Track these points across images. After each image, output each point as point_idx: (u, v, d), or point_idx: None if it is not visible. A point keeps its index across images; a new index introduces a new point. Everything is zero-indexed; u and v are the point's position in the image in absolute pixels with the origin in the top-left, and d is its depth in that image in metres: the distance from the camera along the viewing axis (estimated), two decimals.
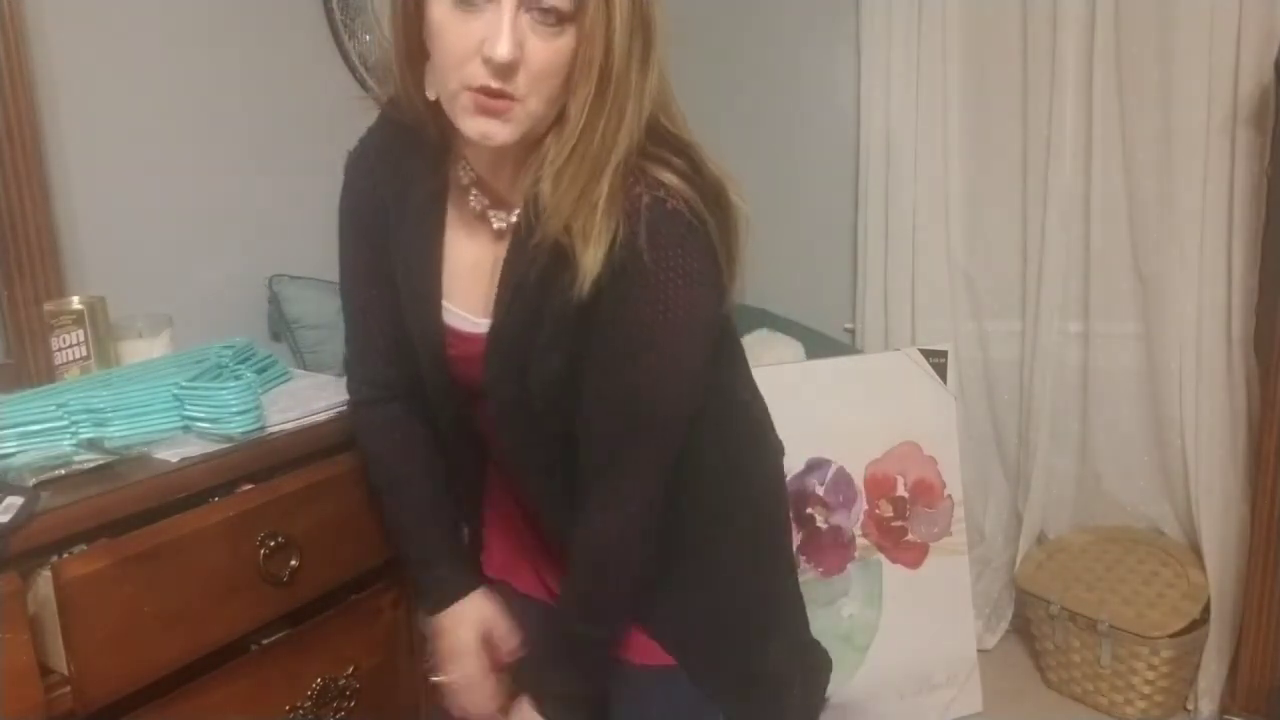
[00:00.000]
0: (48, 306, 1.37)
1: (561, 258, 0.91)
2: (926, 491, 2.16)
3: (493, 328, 1.01)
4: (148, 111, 1.68)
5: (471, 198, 1.03)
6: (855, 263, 2.56)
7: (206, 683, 1.17)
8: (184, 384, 1.22)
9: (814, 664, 1.37)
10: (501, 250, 1.00)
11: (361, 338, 1.18)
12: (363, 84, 2.08)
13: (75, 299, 1.38)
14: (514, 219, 0.99)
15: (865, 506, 2.14)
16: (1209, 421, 2.16)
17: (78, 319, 1.36)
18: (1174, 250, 2.17)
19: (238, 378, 1.26)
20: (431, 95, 0.94)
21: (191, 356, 1.37)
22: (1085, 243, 2.30)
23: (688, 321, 0.94)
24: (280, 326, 1.90)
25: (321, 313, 1.89)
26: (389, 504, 1.22)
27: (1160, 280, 2.21)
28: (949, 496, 2.17)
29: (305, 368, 1.81)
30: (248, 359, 1.41)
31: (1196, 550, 2.20)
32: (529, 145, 0.93)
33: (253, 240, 1.88)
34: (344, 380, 1.28)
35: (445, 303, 1.06)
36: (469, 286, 1.04)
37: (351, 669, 1.37)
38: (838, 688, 2.11)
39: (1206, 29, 2.04)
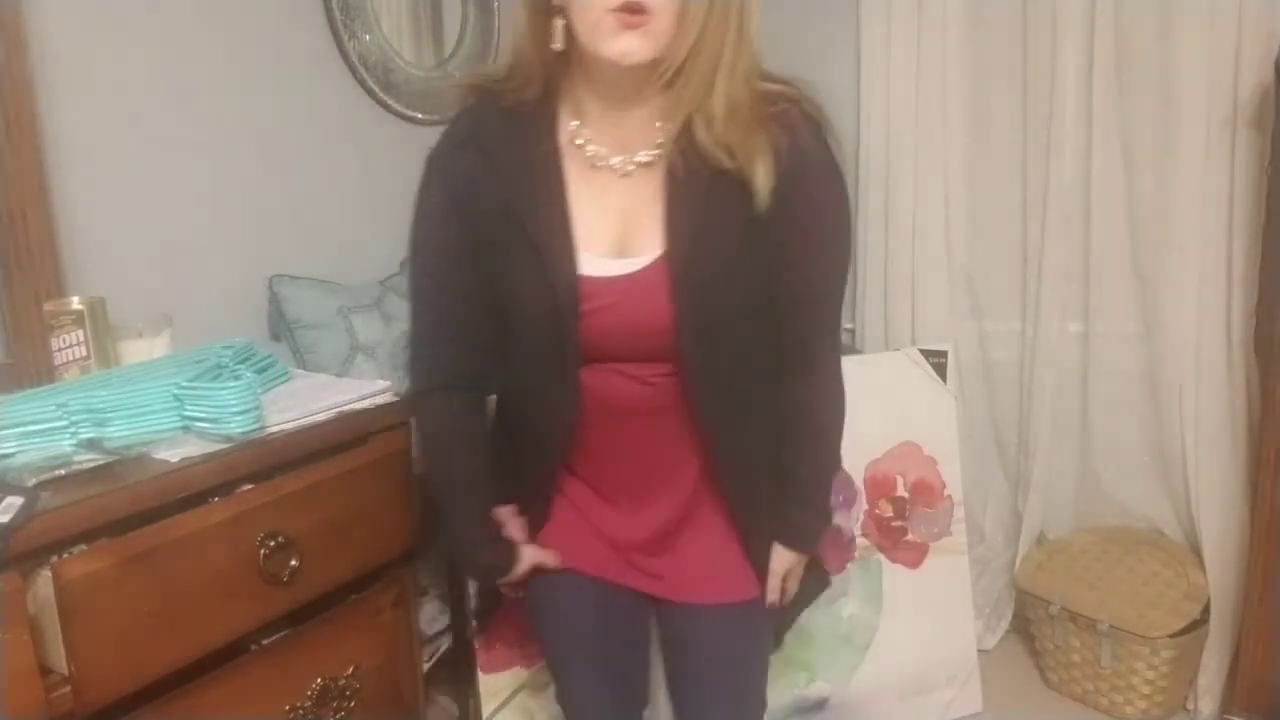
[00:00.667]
0: (48, 306, 1.37)
1: (724, 177, 1.03)
2: (926, 492, 2.16)
3: (671, 253, 1.06)
4: (148, 111, 1.68)
5: (589, 150, 1.09)
6: (855, 263, 2.56)
7: (206, 683, 1.17)
8: (184, 384, 1.22)
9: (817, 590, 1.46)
10: (629, 190, 1.08)
11: (446, 325, 1.17)
12: (362, 84, 2.09)
13: (75, 299, 1.38)
14: (644, 159, 1.08)
15: (865, 506, 2.13)
16: (1209, 422, 2.16)
17: (78, 319, 1.36)
18: (1174, 250, 2.17)
19: (238, 378, 1.26)
20: (558, 46, 1.02)
21: (191, 356, 1.37)
22: (1085, 243, 2.30)
23: (848, 208, 1.15)
24: (280, 326, 1.90)
25: (321, 313, 1.89)
26: (448, 489, 1.22)
27: (1160, 280, 2.21)
28: (949, 497, 2.17)
29: (305, 368, 1.82)
30: (248, 359, 1.41)
31: (1196, 550, 2.19)
32: (654, 83, 1.02)
33: (253, 240, 1.88)
34: (343, 380, 1.28)
35: (581, 253, 1.07)
36: (599, 232, 1.08)
37: (351, 669, 1.37)
38: (838, 688, 2.12)
39: (1206, 29, 2.04)
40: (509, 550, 1.24)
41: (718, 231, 1.06)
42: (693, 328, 1.08)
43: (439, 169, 1.14)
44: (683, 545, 1.23)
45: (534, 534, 1.26)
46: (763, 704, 1.35)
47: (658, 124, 1.06)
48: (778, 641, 1.40)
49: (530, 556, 1.25)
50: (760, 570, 1.25)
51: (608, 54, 0.98)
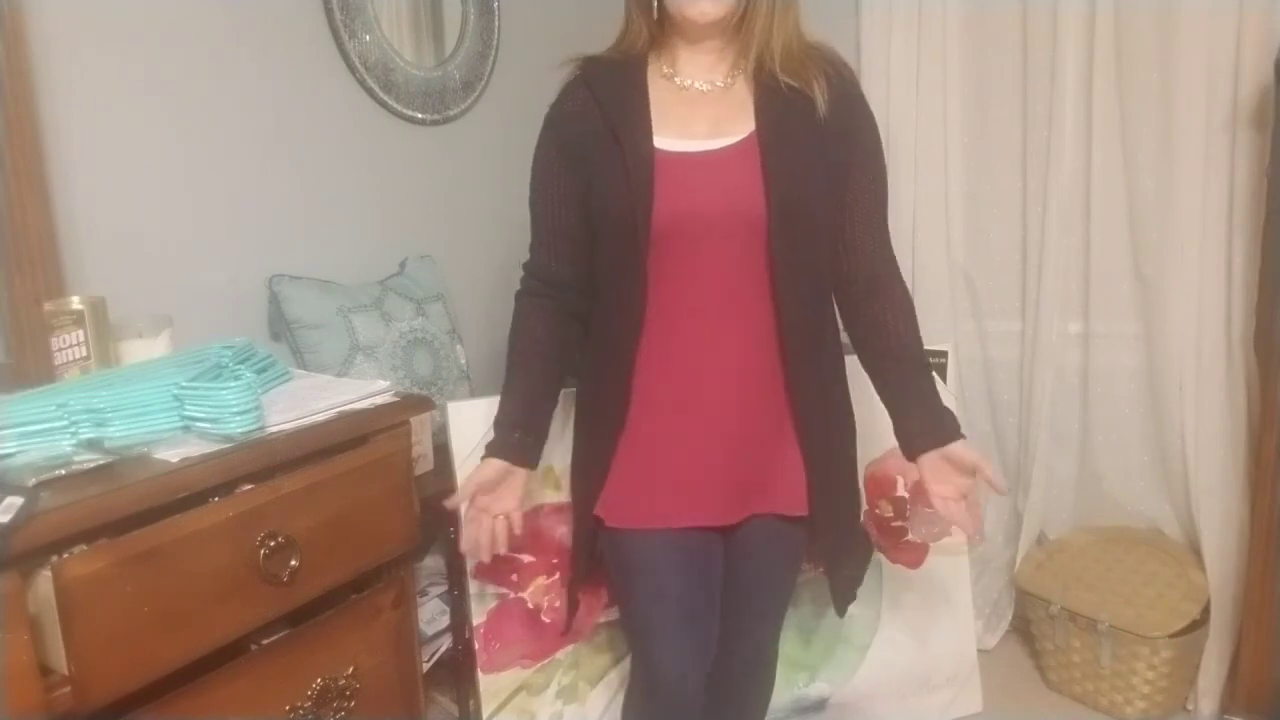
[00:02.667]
0: (48, 306, 1.37)
1: (793, 92, 1.33)
2: (926, 492, 2.15)
3: (760, 129, 1.33)
4: (147, 112, 1.68)
5: (677, 80, 1.39)
6: None
7: (206, 683, 1.17)
8: (184, 384, 1.22)
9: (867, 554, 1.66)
10: (715, 101, 1.37)
11: (542, 236, 1.44)
12: (362, 84, 2.09)
13: (75, 299, 1.38)
14: (722, 83, 1.38)
15: (865, 506, 2.13)
16: (1209, 422, 2.16)
17: (78, 319, 1.36)
18: (1174, 250, 2.17)
19: (238, 378, 1.26)
20: (655, 10, 1.36)
21: (191, 356, 1.37)
22: (1085, 243, 2.30)
23: (879, 133, 1.44)
24: (280, 326, 1.90)
25: (321, 313, 1.89)
26: (512, 370, 1.46)
27: (1160, 280, 2.21)
28: None
29: (305, 368, 1.82)
30: (248, 359, 1.41)
31: (1196, 550, 2.20)
32: (722, 31, 1.35)
33: (253, 240, 1.88)
34: (343, 380, 1.31)
35: (656, 137, 1.33)
36: (686, 127, 1.35)
37: (351, 669, 1.37)
38: (838, 688, 2.12)
39: (1206, 29, 2.04)
40: (521, 453, 1.44)
41: (794, 125, 1.32)
42: (780, 200, 1.29)
43: (551, 116, 1.43)
44: (752, 461, 1.39)
45: (597, 489, 1.43)
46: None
47: (732, 61, 1.38)
48: (845, 607, 1.59)
49: (512, 490, 1.45)
50: (812, 489, 1.40)
51: (689, 14, 1.30)
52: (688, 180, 1.31)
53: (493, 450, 1.43)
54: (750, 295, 1.34)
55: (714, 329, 1.35)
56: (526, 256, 1.48)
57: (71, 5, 1.55)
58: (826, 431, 1.43)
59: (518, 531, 1.47)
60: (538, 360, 1.45)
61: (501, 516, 1.45)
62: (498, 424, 1.45)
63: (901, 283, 1.43)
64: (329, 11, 2.00)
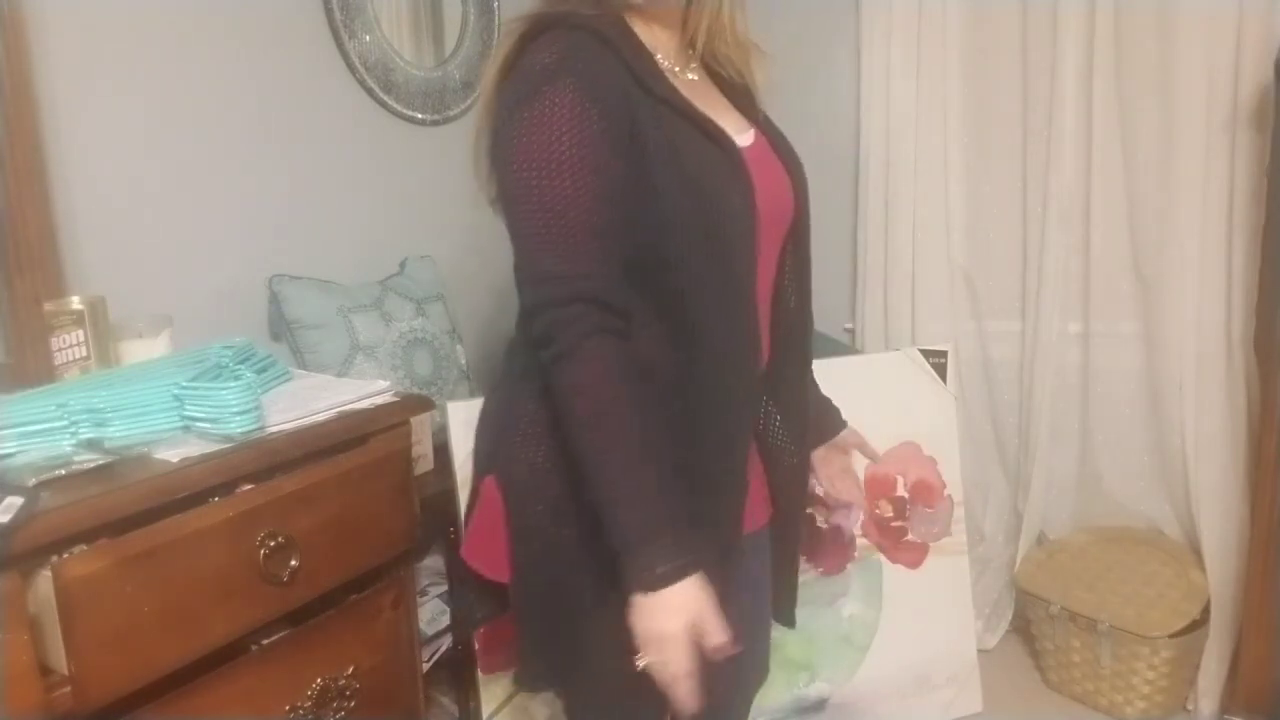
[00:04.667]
0: (48, 306, 1.37)
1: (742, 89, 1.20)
2: (926, 491, 2.16)
3: (761, 127, 1.19)
4: (147, 112, 1.68)
5: (659, 60, 1.11)
6: (855, 263, 2.56)
7: (206, 683, 1.17)
8: (184, 384, 1.22)
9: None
10: (699, 91, 1.14)
11: (586, 243, 0.98)
12: (362, 84, 2.09)
13: (75, 299, 1.38)
14: (693, 76, 1.17)
15: (865, 506, 2.13)
16: (1209, 422, 2.16)
17: (78, 319, 1.36)
18: (1174, 250, 2.17)
19: (238, 378, 1.26)
20: None
21: (191, 356, 1.37)
22: (1085, 243, 2.30)
23: None
24: (280, 326, 1.90)
25: (321, 313, 1.89)
26: (621, 463, 0.97)
27: (1160, 280, 2.21)
28: (949, 496, 2.17)
29: (305, 368, 1.82)
30: (248, 359, 1.41)
31: (1196, 550, 2.19)
32: (677, 14, 1.13)
33: (253, 240, 1.88)
34: (343, 380, 1.28)
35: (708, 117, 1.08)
36: (709, 111, 1.10)
37: (351, 669, 1.37)
38: (838, 688, 2.12)
39: (1206, 29, 2.04)
40: (695, 561, 0.98)
41: (770, 122, 1.21)
42: (801, 200, 1.18)
43: (566, 67, 0.98)
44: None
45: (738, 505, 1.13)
46: None
47: (689, 46, 1.16)
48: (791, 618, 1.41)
49: (703, 599, 0.98)
50: (777, 501, 1.27)
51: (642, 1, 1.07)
52: (760, 178, 1.08)
53: (671, 574, 0.95)
54: (761, 304, 1.16)
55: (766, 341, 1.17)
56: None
57: (72, 5, 1.55)
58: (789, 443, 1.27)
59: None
60: (653, 433, 1.00)
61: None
62: (656, 532, 0.97)
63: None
64: (329, 11, 2.00)
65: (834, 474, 1.44)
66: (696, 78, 1.16)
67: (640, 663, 0.98)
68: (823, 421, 1.40)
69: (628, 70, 1.01)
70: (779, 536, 1.32)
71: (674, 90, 1.05)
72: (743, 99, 1.19)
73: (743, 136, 1.14)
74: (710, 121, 1.06)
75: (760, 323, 1.12)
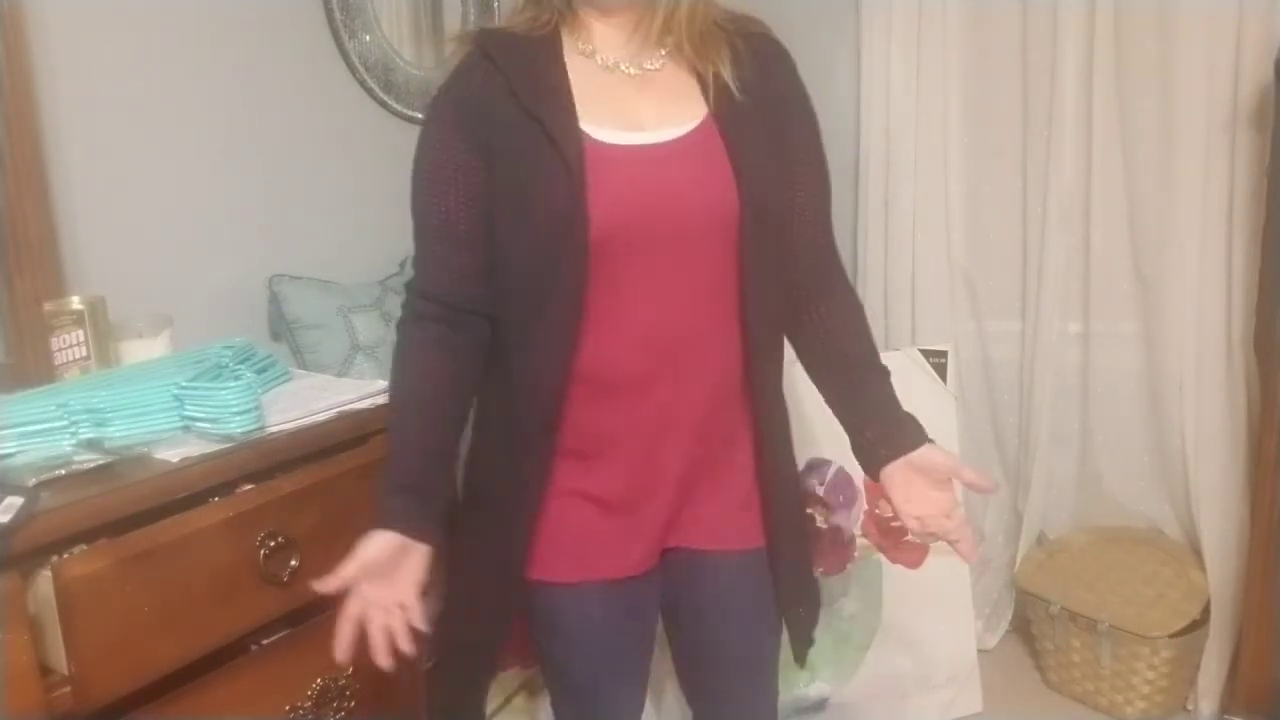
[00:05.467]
0: (48, 306, 1.37)
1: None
2: (898, 515, 2.15)
3: (717, 110, 1.12)
4: (148, 111, 1.68)
5: (598, 58, 1.15)
6: (855, 263, 2.56)
7: (206, 683, 1.17)
8: (184, 384, 1.22)
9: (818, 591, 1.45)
10: (652, 83, 1.15)
11: (437, 250, 1.16)
12: (362, 84, 2.08)
13: (75, 299, 1.38)
14: (652, 66, 1.15)
15: (865, 506, 2.13)
16: (1209, 422, 2.16)
17: (78, 319, 1.36)
18: (1174, 250, 2.17)
19: (238, 378, 1.26)
20: None
21: (191, 356, 1.37)
22: (1085, 243, 2.30)
23: (817, 120, 1.24)
24: (280, 326, 1.90)
25: (321, 313, 1.89)
26: (403, 418, 1.15)
27: (1160, 280, 2.21)
28: None
29: (305, 368, 1.81)
30: (248, 359, 1.41)
31: (1196, 550, 2.19)
32: (638, 5, 1.12)
33: (253, 240, 1.88)
34: (343, 380, 1.28)
35: (582, 123, 1.09)
36: (616, 114, 1.11)
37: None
38: (838, 688, 2.12)
39: (1206, 29, 2.04)
40: (419, 528, 1.09)
41: (747, 111, 1.12)
42: (753, 196, 1.09)
43: (445, 99, 1.16)
44: (706, 494, 1.19)
45: (525, 543, 1.16)
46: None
47: (657, 39, 1.14)
48: (804, 655, 1.37)
49: (413, 567, 1.10)
50: (771, 522, 1.21)
51: (596, 2, 1.11)
52: (634, 179, 1.08)
53: (382, 521, 1.08)
54: (714, 316, 1.13)
55: (666, 359, 1.12)
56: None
57: (72, 5, 1.54)
58: (785, 466, 1.27)
59: (422, 628, 1.10)
60: (435, 405, 1.14)
61: (398, 610, 1.08)
62: (387, 488, 1.11)
63: (847, 282, 1.25)
64: (329, 11, 2.00)
65: (924, 512, 1.15)
66: (642, 70, 1.14)
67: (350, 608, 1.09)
68: (876, 433, 1.17)
69: (508, 85, 1.10)
70: (772, 559, 1.24)
71: (549, 95, 1.10)
72: (723, 91, 1.13)
73: (663, 132, 1.10)
74: (564, 124, 1.08)
75: (689, 327, 1.12)
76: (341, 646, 1.07)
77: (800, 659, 1.35)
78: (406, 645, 1.08)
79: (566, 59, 1.14)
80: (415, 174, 1.17)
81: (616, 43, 1.14)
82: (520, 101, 1.09)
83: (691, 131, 1.11)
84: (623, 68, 1.14)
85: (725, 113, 1.11)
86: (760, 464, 1.21)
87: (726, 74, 1.11)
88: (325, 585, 1.06)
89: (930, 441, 1.17)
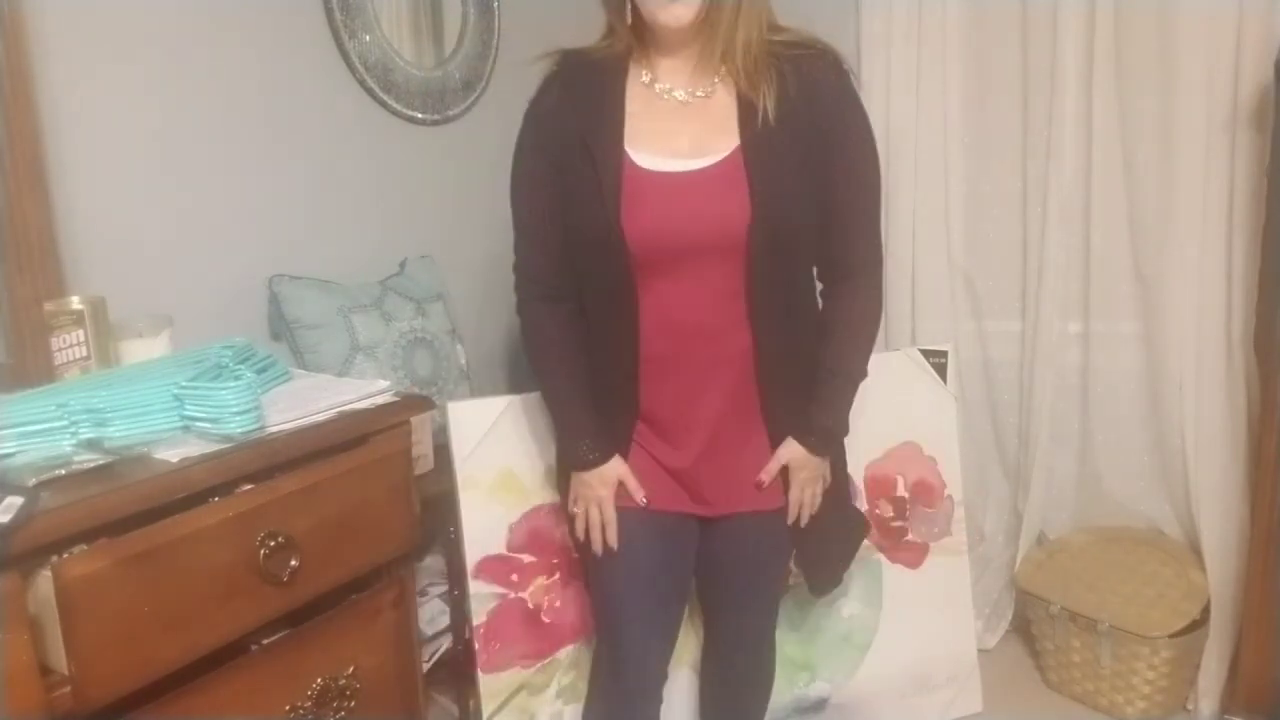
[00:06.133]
0: (48, 306, 1.37)
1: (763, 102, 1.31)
2: (926, 492, 2.16)
3: (745, 143, 1.30)
4: (148, 112, 1.68)
5: (657, 88, 1.36)
6: None
7: (206, 683, 1.17)
8: (184, 384, 1.22)
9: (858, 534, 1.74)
10: (698, 113, 1.35)
11: (533, 244, 1.41)
12: (362, 84, 2.09)
13: (75, 299, 1.38)
14: (703, 93, 1.35)
15: (865, 506, 2.13)
16: (1209, 422, 2.16)
17: (78, 319, 1.36)
18: (1174, 250, 2.17)
19: (238, 378, 1.26)
20: (629, 18, 1.32)
21: (191, 356, 1.37)
22: (1085, 243, 2.30)
23: (871, 133, 1.42)
24: (280, 326, 1.90)
25: (321, 313, 1.89)
26: (551, 380, 1.46)
27: (1160, 280, 2.21)
28: (949, 496, 2.17)
29: (305, 368, 1.82)
30: (248, 359, 1.41)
31: (1196, 550, 2.20)
32: (694, 35, 1.31)
33: (253, 240, 1.88)
34: (343, 380, 1.30)
35: (628, 148, 1.32)
36: (666, 141, 1.33)
37: (351, 669, 1.37)
38: (838, 688, 2.12)
39: (1206, 29, 2.04)
40: (607, 452, 1.42)
41: (780, 136, 1.30)
42: (764, 222, 1.28)
43: (531, 112, 1.40)
44: (725, 462, 1.42)
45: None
46: (775, 616, 1.62)
47: (712, 67, 1.33)
48: (821, 590, 1.67)
49: (622, 470, 1.42)
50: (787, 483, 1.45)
51: (664, 20, 1.27)
52: (665, 201, 1.30)
53: (592, 461, 1.42)
54: (728, 315, 1.35)
55: (696, 348, 1.37)
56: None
57: (71, 5, 1.55)
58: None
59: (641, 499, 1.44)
60: (573, 365, 1.43)
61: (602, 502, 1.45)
62: (572, 435, 1.45)
63: (871, 287, 1.47)
64: (329, 11, 2.00)
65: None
66: (688, 98, 1.34)
67: (576, 510, 1.47)
68: (804, 422, 1.44)
69: (573, 108, 1.34)
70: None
71: (606, 123, 1.32)
72: (762, 118, 1.30)
73: (696, 160, 1.30)
74: (610, 151, 1.30)
75: (677, 315, 1.35)
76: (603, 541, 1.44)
77: (818, 591, 1.69)
78: (613, 527, 1.43)
79: (628, 87, 1.35)
80: (512, 177, 1.41)
81: (678, 75, 1.35)
82: (579, 129, 1.32)
83: (720, 161, 1.30)
84: (676, 94, 1.35)
85: (754, 142, 1.29)
86: (770, 432, 1.43)
87: (769, 102, 1.29)
88: (581, 516, 1.46)
89: (822, 457, 1.46)
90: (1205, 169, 2.09)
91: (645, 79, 1.36)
